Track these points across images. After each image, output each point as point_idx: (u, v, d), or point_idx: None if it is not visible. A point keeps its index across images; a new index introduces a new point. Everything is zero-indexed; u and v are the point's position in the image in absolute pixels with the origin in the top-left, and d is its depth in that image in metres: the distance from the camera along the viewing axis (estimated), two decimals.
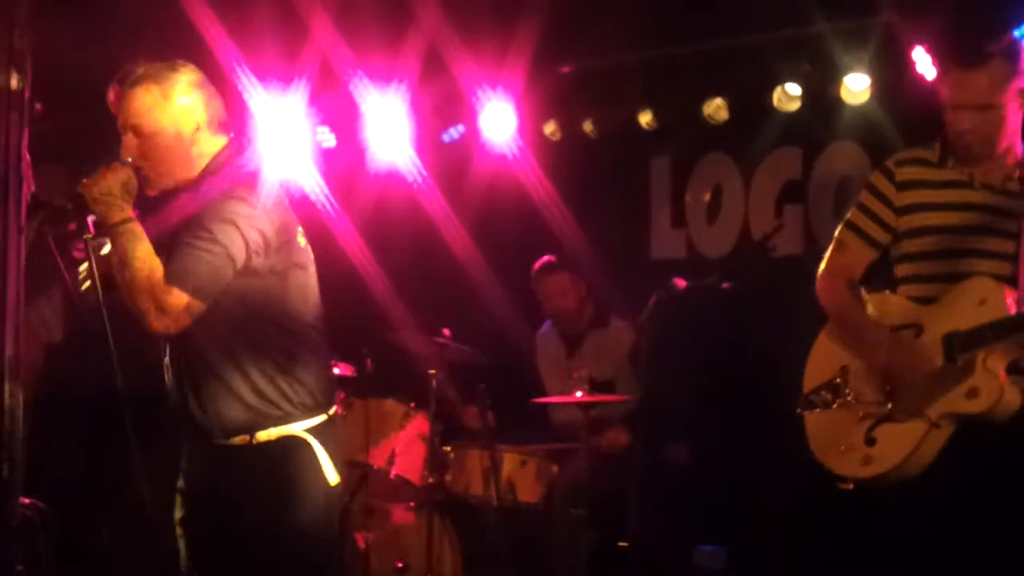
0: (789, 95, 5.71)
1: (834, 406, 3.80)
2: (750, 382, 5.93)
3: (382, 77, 6.31)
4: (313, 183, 5.99)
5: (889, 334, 3.71)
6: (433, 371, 5.72)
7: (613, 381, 5.89)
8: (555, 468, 5.70)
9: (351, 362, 5.91)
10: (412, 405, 5.89)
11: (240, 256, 3.30)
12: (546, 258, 6.21)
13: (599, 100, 6.35)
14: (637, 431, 5.80)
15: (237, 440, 3.39)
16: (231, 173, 3.40)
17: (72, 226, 3.31)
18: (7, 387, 3.81)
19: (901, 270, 3.83)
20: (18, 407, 3.87)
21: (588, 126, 6.43)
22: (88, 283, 3.36)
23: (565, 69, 6.34)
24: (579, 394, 5.49)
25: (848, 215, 3.90)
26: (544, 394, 6.07)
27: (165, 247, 3.31)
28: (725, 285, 5.47)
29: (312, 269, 3.52)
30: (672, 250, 6.63)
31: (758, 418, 5.83)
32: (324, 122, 6.88)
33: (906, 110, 5.42)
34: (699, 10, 5.82)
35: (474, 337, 5.92)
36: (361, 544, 5.68)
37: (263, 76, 5.74)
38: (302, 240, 3.51)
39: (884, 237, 3.83)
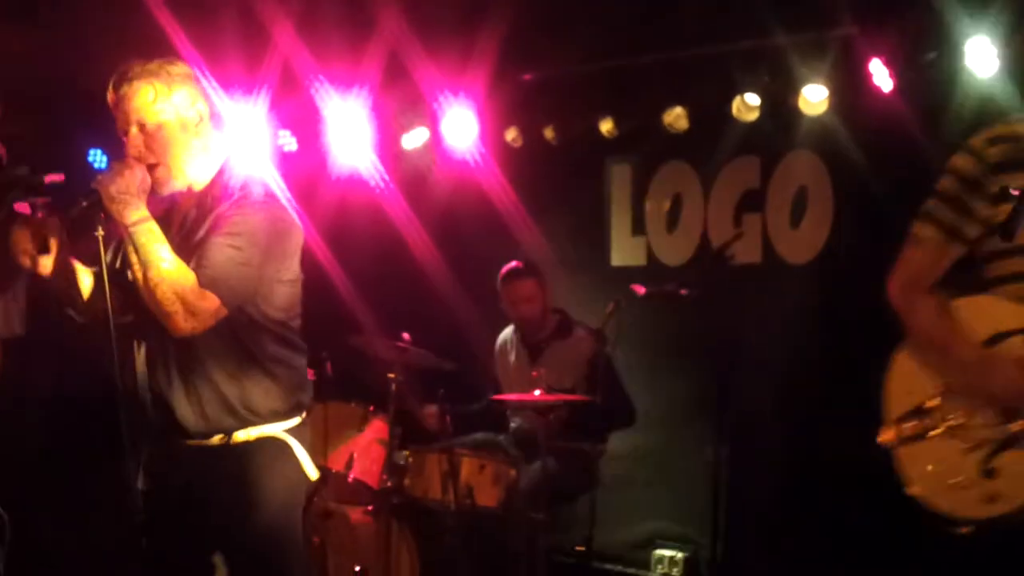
0: (748, 105, 5.76)
1: (935, 434, 3.21)
2: (708, 388, 5.96)
3: (344, 82, 6.32)
4: (274, 187, 5.99)
5: (982, 354, 3.13)
6: (392, 375, 5.72)
7: (573, 390, 5.91)
8: (513, 473, 5.71)
9: (311, 365, 5.89)
10: (371, 409, 5.90)
11: (269, 267, 3.34)
12: (513, 263, 6.21)
13: (560, 107, 6.37)
14: (595, 436, 5.83)
15: (215, 440, 3.40)
16: (254, 180, 3.40)
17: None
18: None
19: (998, 268, 3.20)
20: None
21: (549, 133, 6.45)
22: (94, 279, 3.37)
23: (527, 76, 6.37)
24: (537, 392, 5.50)
25: (925, 205, 3.27)
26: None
27: (191, 249, 3.31)
28: (684, 292, 5.51)
29: (300, 276, 3.55)
30: (631, 257, 6.66)
31: (716, 423, 5.88)
32: (285, 126, 6.88)
33: (863, 120, 5.50)
34: (661, 21, 5.87)
35: (434, 341, 5.93)
36: (319, 548, 5.68)
37: (225, 81, 5.73)
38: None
39: (975, 230, 3.18)
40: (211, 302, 3.24)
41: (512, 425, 6.19)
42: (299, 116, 6.72)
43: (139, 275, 3.24)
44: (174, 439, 3.43)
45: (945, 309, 3.22)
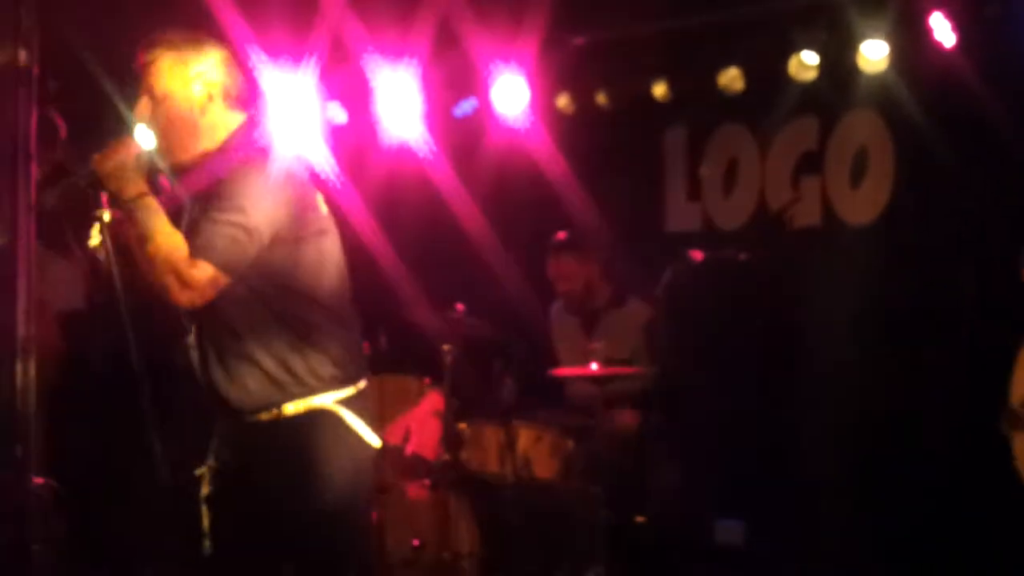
0: (805, 64, 5.63)
1: None
2: (767, 354, 5.89)
3: (393, 51, 6.26)
4: (323, 160, 5.96)
5: None
6: (447, 347, 5.68)
7: (630, 361, 5.83)
8: (571, 444, 5.66)
9: (365, 339, 5.85)
10: (427, 381, 5.86)
11: (267, 230, 3.28)
12: (558, 236, 6.14)
13: (613, 72, 6.28)
14: (654, 406, 5.76)
15: (265, 415, 3.37)
16: (249, 147, 3.37)
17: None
18: (20, 367, 3.78)
19: None
20: (31, 387, 3.85)
21: (602, 98, 6.36)
22: (102, 257, 3.35)
23: (578, 41, 6.27)
24: (594, 366, 5.44)
25: None
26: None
27: (186, 221, 3.31)
28: (741, 257, 5.42)
29: (335, 237, 3.49)
30: (687, 223, 6.57)
31: (776, 390, 5.80)
32: (335, 98, 6.82)
33: (924, 77, 5.37)
34: None
35: (487, 313, 5.88)
36: (376, 522, 5.65)
37: (273, 52, 5.67)
38: (324, 207, 3.49)
39: None
40: (203, 271, 3.21)
41: (568, 396, 6.13)
42: (348, 87, 6.66)
43: (136, 250, 3.24)
44: (228, 417, 3.41)
45: None
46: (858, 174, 5.88)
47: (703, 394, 5.89)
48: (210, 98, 3.37)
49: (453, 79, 6.54)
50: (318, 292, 3.40)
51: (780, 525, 5.78)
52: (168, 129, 3.35)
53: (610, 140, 6.61)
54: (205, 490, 3.50)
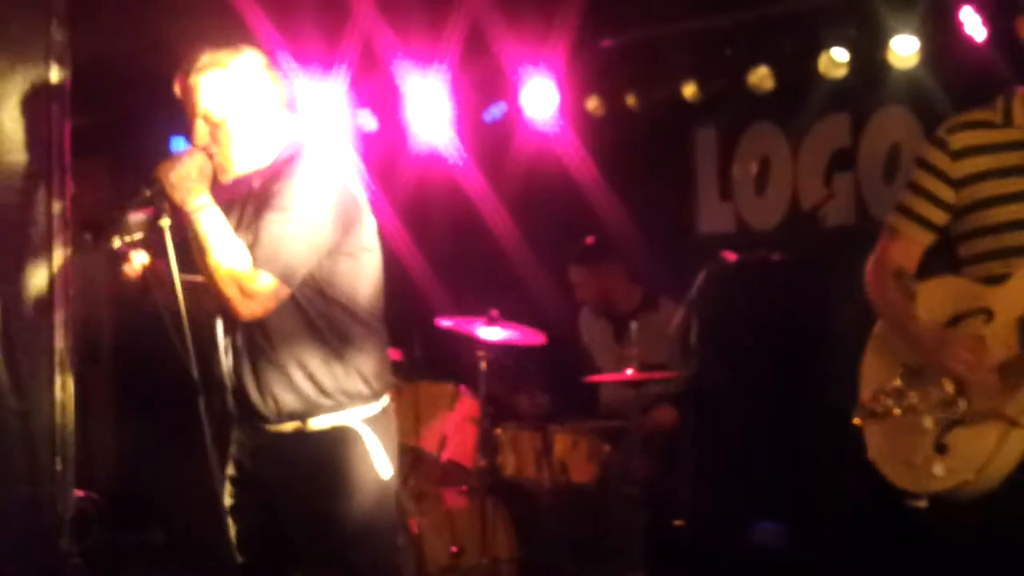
0: (836, 61, 5.59)
1: (896, 412, 3.37)
2: (803, 354, 5.85)
3: (423, 58, 6.27)
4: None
5: (939, 333, 3.32)
6: (482, 353, 5.67)
7: (665, 364, 5.81)
8: (607, 448, 5.65)
9: (399, 346, 5.87)
10: (461, 387, 5.85)
11: (328, 240, 3.30)
12: (579, 244, 6.13)
13: (642, 73, 6.25)
14: (689, 408, 5.73)
15: (290, 426, 3.37)
16: (308, 156, 3.37)
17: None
18: (58, 381, 3.82)
19: (965, 249, 3.42)
20: (70, 401, 3.88)
21: (631, 100, 6.33)
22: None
23: (607, 43, 6.26)
24: (629, 371, 5.43)
25: (900, 197, 3.49)
26: (595, 373, 6.00)
27: (247, 231, 3.30)
28: (775, 257, 5.39)
29: (379, 253, 3.49)
30: (720, 224, 6.54)
31: (812, 391, 5.76)
32: (365, 105, 6.84)
33: (955, 72, 5.32)
34: None
35: (518, 318, 5.86)
36: (415, 530, 5.65)
37: (304, 60, 5.70)
38: (372, 222, 3.48)
39: (942, 217, 3.40)
40: (266, 283, 3.21)
41: (603, 400, 6.12)
42: (378, 94, 6.68)
43: (199, 261, 3.24)
44: (253, 425, 3.41)
45: (909, 294, 3.43)
46: (891, 171, 5.84)
47: (737, 396, 5.87)
48: (267, 105, 3.36)
49: (483, 84, 6.55)
50: (358, 306, 3.40)
51: (819, 528, 5.75)
52: (232, 145, 3.34)
53: (640, 142, 6.58)
54: (229, 500, 3.49)
